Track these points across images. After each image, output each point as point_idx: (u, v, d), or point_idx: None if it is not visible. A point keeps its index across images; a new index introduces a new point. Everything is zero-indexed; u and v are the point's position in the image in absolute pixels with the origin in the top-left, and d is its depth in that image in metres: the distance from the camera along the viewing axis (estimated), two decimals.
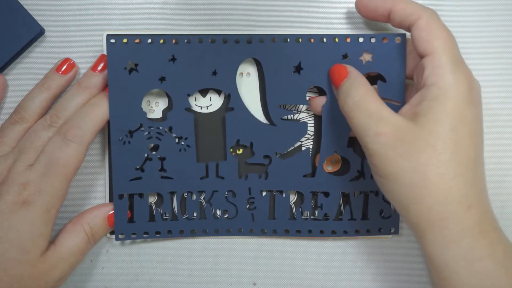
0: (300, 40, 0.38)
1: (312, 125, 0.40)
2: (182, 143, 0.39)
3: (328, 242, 0.41)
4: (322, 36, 0.38)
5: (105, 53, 0.39)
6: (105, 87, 0.38)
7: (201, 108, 0.39)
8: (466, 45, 0.40)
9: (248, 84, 0.39)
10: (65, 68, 0.38)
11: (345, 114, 0.35)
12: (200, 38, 0.38)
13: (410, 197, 0.32)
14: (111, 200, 0.40)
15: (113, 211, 0.39)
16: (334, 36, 0.38)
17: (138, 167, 0.39)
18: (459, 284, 0.31)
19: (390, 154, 0.32)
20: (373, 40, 0.38)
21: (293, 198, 0.40)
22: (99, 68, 0.38)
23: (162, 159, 0.39)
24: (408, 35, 0.37)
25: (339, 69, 0.36)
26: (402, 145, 0.32)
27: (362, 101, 0.34)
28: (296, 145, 0.40)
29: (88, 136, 0.36)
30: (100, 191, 0.40)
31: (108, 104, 0.37)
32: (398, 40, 0.38)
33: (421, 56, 0.34)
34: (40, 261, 0.35)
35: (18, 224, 0.34)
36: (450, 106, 0.32)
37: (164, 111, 0.40)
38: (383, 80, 0.38)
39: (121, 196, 0.39)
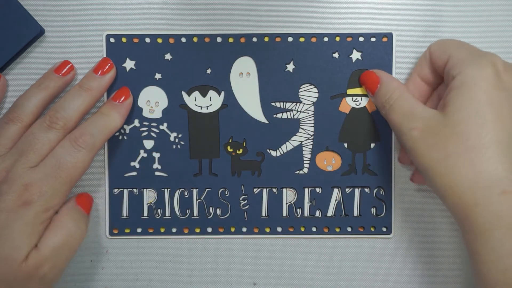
0: (291, 38, 0.39)
1: (312, 124, 0.40)
2: (176, 140, 0.40)
3: (328, 242, 0.41)
4: (313, 35, 0.39)
5: (105, 53, 0.39)
6: (106, 90, 0.39)
7: (201, 108, 0.40)
8: None
9: (247, 84, 0.40)
10: (65, 70, 0.38)
11: (384, 117, 0.37)
12: (196, 37, 0.39)
13: (444, 186, 0.32)
14: (111, 199, 0.40)
15: (78, 196, 0.38)
16: (324, 35, 0.39)
17: (133, 162, 0.40)
18: (487, 276, 0.31)
19: (422, 147, 0.33)
20: (361, 39, 0.39)
21: (286, 195, 0.40)
22: (101, 71, 0.38)
23: (157, 155, 0.40)
24: (395, 34, 0.39)
25: (370, 76, 0.38)
26: (432, 137, 0.33)
27: (397, 103, 0.36)
28: (296, 145, 0.40)
29: (98, 144, 0.36)
30: (100, 191, 0.40)
31: (119, 116, 0.38)
32: (385, 39, 0.39)
33: (443, 68, 0.35)
34: (29, 258, 0.34)
35: (14, 223, 0.34)
36: (474, 91, 0.32)
37: (164, 111, 0.40)
38: None
39: (115, 191, 0.40)
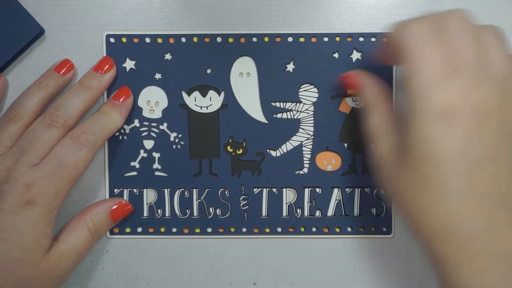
0: (291, 38, 0.39)
1: (312, 124, 0.40)
2: (176, 140, 0.40)
3: (328, 242, 0.41)
4: (313, 35, 0.39)
5: (105, 53, 0.39)
6: (106, 89, 0.39)
7: (201, 108, 0.40)
8: None
9: (247, 84, 0.40)
10: (65, 69, 0.38)
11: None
12: (196, 37, 0.39)
13: (398, 212, 0.33)
14: None
15: (116, 206, 0.39)
16: (324, 35, 0.39)
17: (133, 162, 0.40)
18: None
19: (381, 175, 0.34)
20: (361, 39, 0.39)
21: (286, 195, 0.40)
22: (102, 69, 0.38)
23: (157, 155, 0.40)
24: None
25: (351, 80, 0.38)
26: (388, 168, 0.33)
27: (367, 118, 0.36)
28: (296, 145, 0.40)
29: (99, 142, 0.36)
30: (100, 191, 0.40)
31: (120, 116, 0.38)
32: (385, 39, 0.39)
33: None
34: (43, 260, 0.35)
35: (21, 225, 0.34)
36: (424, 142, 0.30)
37: (164, 111, 0.40)
38: None
39: (116, 191, 0.40)
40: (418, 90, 0.30)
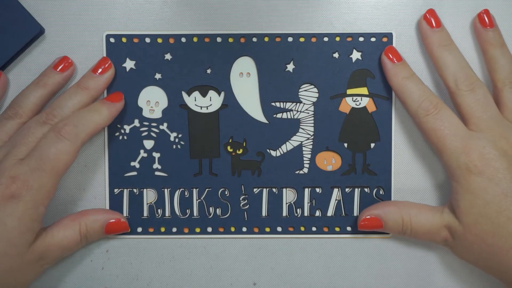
0: (291, 38, 0.39)
1: (312, 124, 0.40)
2: (176, 140, 0.40)
3: (328, 242, 0.41)
4: (313, 35, 0.39)
5: (105, 53, 0.39)
6: (104, 90, 0.39)
7: (201, 108, 0.40)
8: (466, 45, 0.40)
9: (247, 84, 0.40)
10: (63, 66, 0.38)
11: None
12: (196, 37, 0.39)
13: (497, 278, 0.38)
14: (111, 199, 0.40)
15: (113, 221, 0.38)
16: (324, 35, 0.39)
17: (133, 162, 0.40)
18: None
19: (459, 249, 0.38)
20: (361, 39, 0.39)
21: (286, 195, 0.40)
22: (100, 70, 0.38)
23: (157, 155, 0.40)
24: (395, 34, 0.40)
25: (370, 222, 0.39)
26: (460, 240, 0.37)
27: (414, 226, 0.38)
28: (296, 145, 0.40)
29: (82, 135, 0.36)
30: (100, 191, 0.40)
31: (107, 113, 0.37)
32: (385, 39, 0.39)
33: None
34: (27, 253, 0.35)
35: (6, 218, 0.33)
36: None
37: (164, 111, 0.40)
38: (372, 76, 0.39)
39: (116, 191, 0.40)
40: None
